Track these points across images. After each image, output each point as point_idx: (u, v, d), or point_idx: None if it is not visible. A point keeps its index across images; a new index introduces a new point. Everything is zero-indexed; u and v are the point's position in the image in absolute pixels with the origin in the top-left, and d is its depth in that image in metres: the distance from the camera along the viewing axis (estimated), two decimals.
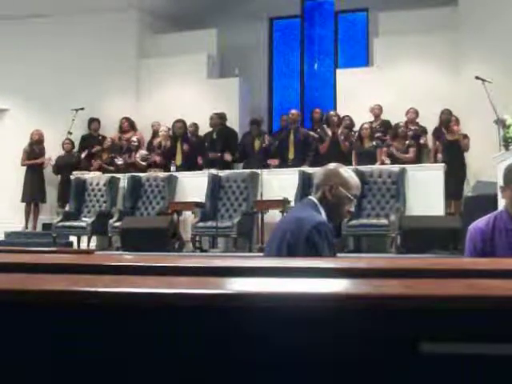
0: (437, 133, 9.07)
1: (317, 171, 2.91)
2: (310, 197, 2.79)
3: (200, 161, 9.73)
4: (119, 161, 9.83)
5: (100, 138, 10.52)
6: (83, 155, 10.21)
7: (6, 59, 10.86)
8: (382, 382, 0.92)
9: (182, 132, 9.91)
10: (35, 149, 10.27)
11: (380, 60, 10.29)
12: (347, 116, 9.53)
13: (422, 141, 9.03)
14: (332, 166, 2.80)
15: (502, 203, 3.08)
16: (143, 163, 9.72)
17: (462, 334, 0.89)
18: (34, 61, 10.84)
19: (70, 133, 10.15)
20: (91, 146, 10.39)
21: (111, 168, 9.88)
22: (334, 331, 0.91)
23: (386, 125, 9.40)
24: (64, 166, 10.10)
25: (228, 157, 9.67)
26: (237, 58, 11.24)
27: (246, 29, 11.44)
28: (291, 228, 2.62)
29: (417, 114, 9.24)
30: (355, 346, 0.91)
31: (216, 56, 11.33)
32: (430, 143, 9.20)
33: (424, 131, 9.19)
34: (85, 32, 10.85)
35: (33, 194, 10.21)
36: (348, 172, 2.77)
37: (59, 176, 10.32)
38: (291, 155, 9.37)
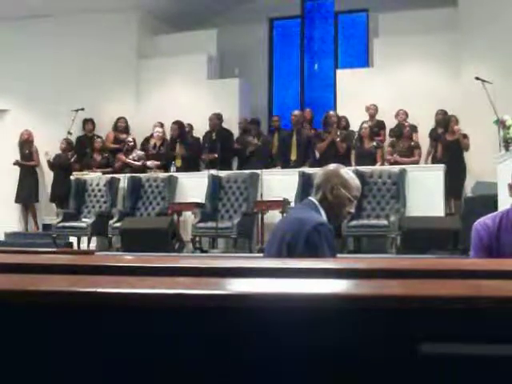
0: (433, 133, 9.07)
1: (317, 172, 2.91)
2: (310, 197, 2.79)
3: (200, 162, 9.74)
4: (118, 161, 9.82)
5: (95, 138, 10.50)
6: (72, 159, 10.15)
7: (6, 60, 10.86)
8: (381, 383, 0.92)
9: (177, 133, 9.89)
10: (24, 149, 10.28)
11: (380, 60, 10.29)
12: (343, 117, 9.54)
13: (414, 138, 9.05)
14: (332, 166, 2.81)
15: (503, 203, 3.08)
16: (138, 163, 9.69)
17: (462, 335, 0.89)
18: (34, 61, 10.84)
19: (70, 133, 10.15)
20: (85, 148, 10.37)
21: (108, 169, 9.87)
22: (334, 331, 0.91)
23: (380, 125, 9.41)
24: (58, 165, 10.10)
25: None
26: (237, 58, 11.25)
27: (246, 29, 11.44)
28: (291, 228, 2.62)
29: (406, 114, 9.26)
30: (355, 346, 0.91)
31: (216, 56, 11.34)
32: (425, 143, 9.21)
33: (414, 129, 9.17)
34: (85, 32, 10.85)
35: (25, 195, 10.21)
36: (348, 173, 2.77)
37: (52, 175, 10.32)
38: (293, 156, 9.37)
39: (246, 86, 11.19)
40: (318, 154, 9.25)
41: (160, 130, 9.95)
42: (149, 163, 9.63)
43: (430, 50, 9.73)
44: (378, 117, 9.56)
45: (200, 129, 10.19)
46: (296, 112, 9.80)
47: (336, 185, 2.68)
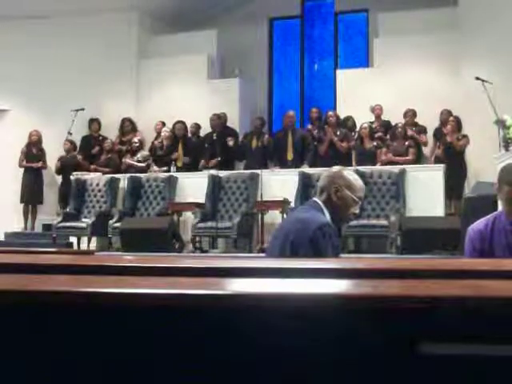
0: (437, 133, 9.08)
1: (321, 174, 2.94)
2: (314, 198, 2.81)
3: (200, 162, 9.74)
4: (127, 158, 9.84)
5: (101, 138, 10.53)
6: (79, 158, 10.16)
7: (6, 60, 10.86)
8: (381, 383, 0.92)
9: (182, 133, 9.93)
10: (33, 149, 10.26)
11: (380, 60, 10.29)
12: (350, 117, 9.53)
13: (422, 139, 9.04)
14: (336, 168, 2.86)
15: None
16: (143, 164, 9.72)
17: (462, 335, 0.89)
18: (34, 61, 10.84)
19: (70, 133, 10.16)
20: (91, 147, 10.40)
21: (106, 170, 9.88)
22: (333, 331, 0.91)
23: (386, 125, 9.40)
24: (66, 167, 10.11)
25: (230, 142, 9.66)
26: (237, 58, 11.24)
27: (246, 29, 11.44)
28: (295, 228, 2.64)
29: (415, 114, 9.24)
30: (355, 346, 0.91)
31: (216, 56, 11.33)
32: (430, 142, 9.21)
33: (424, 130, 9.18)
34: (85, 33, 10.85)
35: (30, 195, 10.21)
36: (352, 175, 2.81)
37: (61, 177, 10.33)
38: (290, 156, 9.38)
39: (246, 86, 11.19)
40: (320, 154, 9.25)
41: (167, 129, 9.97)
42: (155, 168, 9.63)
43: (430, 49, 9.72)
44: (382, 117, 9.56)
45: (200, 129, 10.20)
46: (289, 113, 9.79)
47: (340, 186, 2.71)
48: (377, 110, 9.50)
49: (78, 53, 10.81)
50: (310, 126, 9.74)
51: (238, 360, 0.94)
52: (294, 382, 0.93)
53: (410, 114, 9.21)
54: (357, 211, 2.79)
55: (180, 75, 10.88)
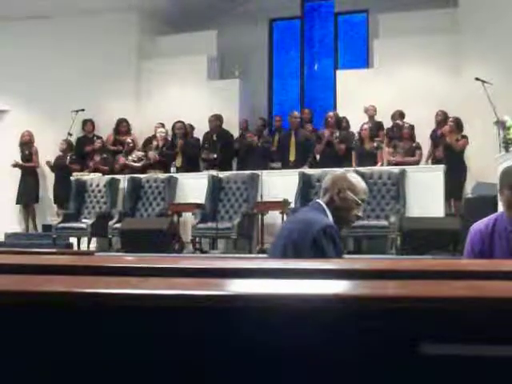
0: (433, 134, 9.08)
1: (321, 175, 2.97)
2: (317, 200, 2.82)
3: (200, 162, 9.76)
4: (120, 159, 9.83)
5: (95, 138, 10.51)
6: (67, 161, 10.12)
7: (6, 60, 10.86)
8: (381, 383, 0.92)
9: (182, 133, 9.93)
10: (24, 150, 10.28)
11: (380, 61, 10.28)
12: (344, 118, 9.54)
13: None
14: (340, 171, 2.88)
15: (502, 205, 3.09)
16: (137, 164, 9.72)
17: (462, 336, 0.89)
18: (34, 62, 10.84)
19: (70, 134, 10.15)
20: (83, 148, 10.39)
21: (105, 168, 9.88)
22: (334, 332, 0.91)
23: (378, 126, 9.39)
24: (57, 167, 10.12)
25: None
26: (237, 59, 11.24)
27: (246, 30, 11.44)
28: (298, 228, 2.65)
29: (402, 115, 9.25)
30: (355, 346, 0.91)
31: (216, 57, 11.34)
32: (428, 144, 9.20)
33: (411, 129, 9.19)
34: (85, 33, 10.85)
35: (25, 196, 10.22)
36: (355, 177, 2.82)
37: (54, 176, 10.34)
38: (292, 157, 9.38)
39: (246, 86, 11.20)
40: (317, 156, 9.26)
41: (163, 130, 9.97)
42: (151, 157, 9.64)
43: (430, 50, 9.72)
44: (379, 117, 9.55)
45: (200, 129, 10.20)
46: (295, 113, 9.81)
47: (343, 188, 2.72)
48: (369, 111, 9.51)
49: (77, 53, 10.81)
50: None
51: (238, 360, 0.94)
52: (294, 382, 0.93)
53: (397, 117, 9.24)
54: (360, 213, 2.79)
55: (180, 75, 10.87)
